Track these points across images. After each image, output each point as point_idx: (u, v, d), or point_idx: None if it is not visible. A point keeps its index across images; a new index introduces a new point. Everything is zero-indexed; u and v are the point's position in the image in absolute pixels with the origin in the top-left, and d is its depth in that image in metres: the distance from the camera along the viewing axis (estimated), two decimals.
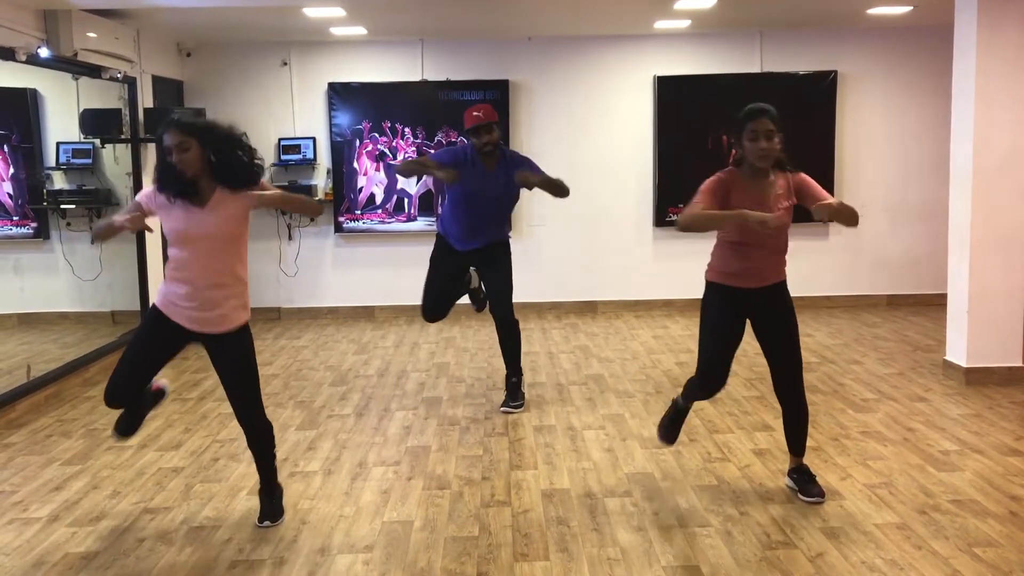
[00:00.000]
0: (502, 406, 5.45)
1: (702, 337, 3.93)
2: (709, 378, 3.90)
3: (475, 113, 5.25)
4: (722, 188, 3.71)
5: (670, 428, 4.21)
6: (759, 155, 3.66)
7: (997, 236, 5.68)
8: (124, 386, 3.69)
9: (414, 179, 8.42)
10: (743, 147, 3.69)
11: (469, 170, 5.29)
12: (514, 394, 5.49)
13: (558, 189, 5.23)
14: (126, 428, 3.89)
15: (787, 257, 3.88)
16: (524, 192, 5.44)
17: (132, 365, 3.69)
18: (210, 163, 3.55)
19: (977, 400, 5.42)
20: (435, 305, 5.57)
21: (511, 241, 5.58)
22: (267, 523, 3.81)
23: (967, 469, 4.28)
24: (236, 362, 3.74)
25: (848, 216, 3.71)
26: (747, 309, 3.86)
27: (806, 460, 4.13)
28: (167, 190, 3.59)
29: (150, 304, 3.84)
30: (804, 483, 4.01)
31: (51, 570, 3.47)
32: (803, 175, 3.83)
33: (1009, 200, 5.67)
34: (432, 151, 7.92)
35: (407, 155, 8.35)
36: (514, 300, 5.49)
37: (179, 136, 3.51)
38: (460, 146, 5.56)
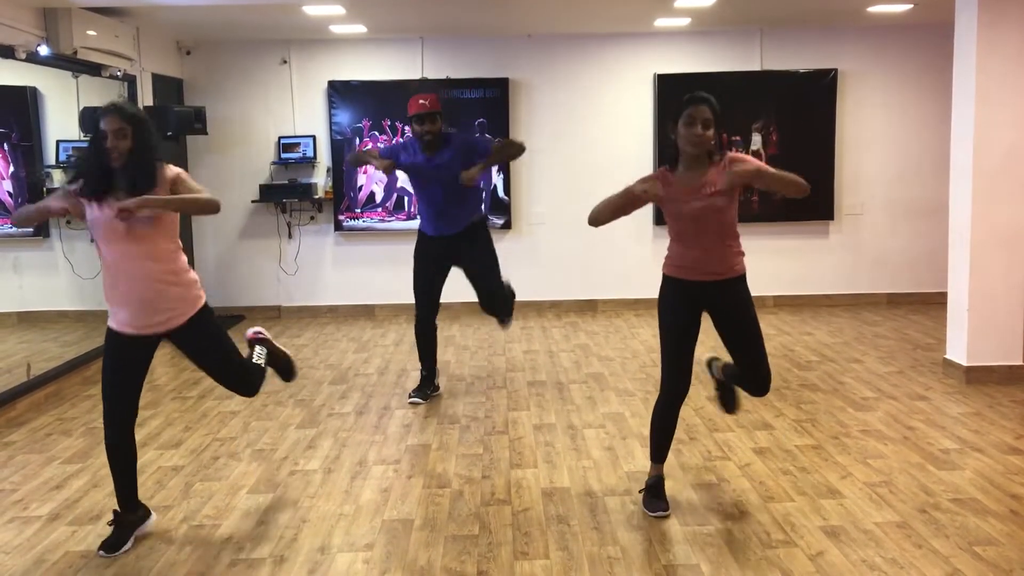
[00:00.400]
0: (500, 324, 5.61)
1: (661, 337, 3.82)
2: (672, 376, 3.78)
3: (420, 101, 5.29)
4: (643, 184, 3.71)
5: (656, 497, 3.86)
6: (691, 141, 3.59)
7: (998, 234, 5.68)
8: (119, 416, 3.57)
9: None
10: (678, 133, 3.63)
11: (412, 157, 5.37)
12: (505, 301, 5.64)
13: (509, 154, 5.27)
14: (113, 545, 3.60)
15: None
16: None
17: (115, 395, 3.57)
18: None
19: (977, 398, 5.42)
20: (425, 304, 5.57)
21: (496, 231, 5.62)
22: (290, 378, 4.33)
23: (967, 468, 4.28)
24: (205, 340, 3.69)
25: (780, 180, 3.59)
26: (702, 303, 3.77)
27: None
28: (89, 182, 3.49)
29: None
30: (726, 399, 4.30)
31: (51, 568, 3.47)
32: (736, 154, 3.73)
33: (1010, 198, 5.66)
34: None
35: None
36: (515, 299, 5.51)
37: (119, 122, 3.44)
38: (408, 138, 5.53)
